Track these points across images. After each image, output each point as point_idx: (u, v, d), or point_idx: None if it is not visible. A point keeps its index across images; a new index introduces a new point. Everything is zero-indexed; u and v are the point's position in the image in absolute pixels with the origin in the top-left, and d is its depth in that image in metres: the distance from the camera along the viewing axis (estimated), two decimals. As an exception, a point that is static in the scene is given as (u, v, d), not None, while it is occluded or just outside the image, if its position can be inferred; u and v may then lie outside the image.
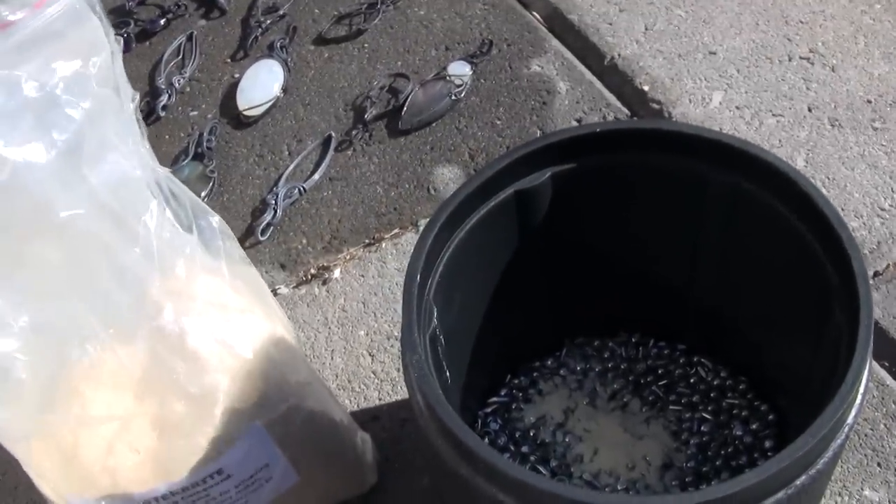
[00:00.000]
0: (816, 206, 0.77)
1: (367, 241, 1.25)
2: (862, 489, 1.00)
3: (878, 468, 1.01)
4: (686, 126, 0.95)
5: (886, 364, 1.09)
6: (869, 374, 0.74)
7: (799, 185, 0.79)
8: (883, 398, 1.06)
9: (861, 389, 0.72)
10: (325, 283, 1.22)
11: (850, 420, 0.71)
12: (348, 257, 1.24)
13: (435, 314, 0.79)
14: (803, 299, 0.83)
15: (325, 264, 1.24)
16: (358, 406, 1.10)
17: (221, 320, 0.82)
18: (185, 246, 0.79)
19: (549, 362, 1.05)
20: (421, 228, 1.08)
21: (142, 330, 0.77)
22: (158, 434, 0.80)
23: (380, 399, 1.11)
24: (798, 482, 0.68)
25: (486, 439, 1.00)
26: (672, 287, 0.97)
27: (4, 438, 0.78)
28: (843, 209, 1.21)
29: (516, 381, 1.04)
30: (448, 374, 0.83)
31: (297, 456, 0.89)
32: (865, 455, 1.02)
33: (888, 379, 1.08)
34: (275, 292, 1.22)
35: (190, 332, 0.79)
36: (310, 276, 1.23)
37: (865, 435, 1.03)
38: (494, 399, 1.02)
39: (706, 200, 0.87)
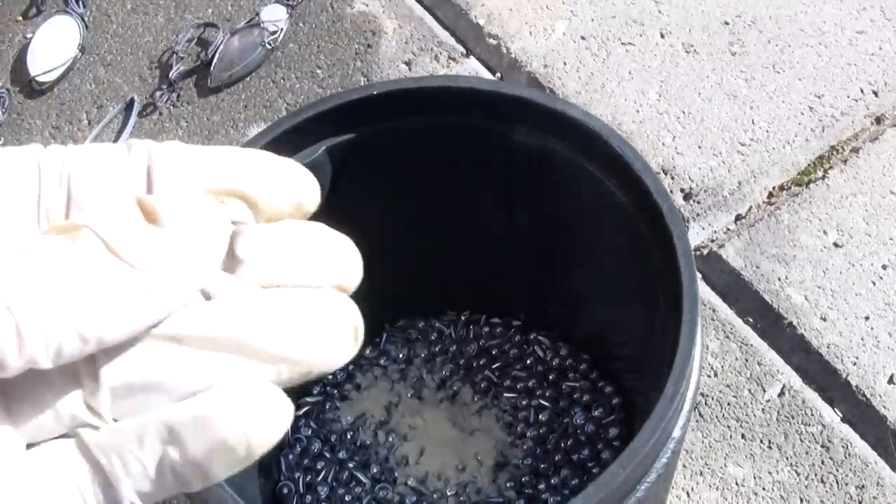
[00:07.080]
0: (632, 171, 0.65)
1: (174, 217, 1.11)
2: (725, 465, 0.89)
3: (743, 440, 0.91)
4: (480, 81, 0.82)
5: (751, 320, 0.98)
6: (699, 372, 0.62)
7: (612, 146, 0.66)
8: (747, 360, 0.95)
9: (689, 394, 0.61)
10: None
11: (676, 433, 0.60)
12: (154, 238, 1.10)
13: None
14: (629, 271, 0.71)
15: (128, 248, 1.09)
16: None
17: None
18: None
19: (368, 352, 0.92)
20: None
21: None
22: None
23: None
24: (613, 515, 0.56)
25: (298, 447, 0.87)
26: (493, 258, 0.85)
27: None
28: (700, 146, 1.09)
29: (330, 377, 0.91)
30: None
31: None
32: (729, 426, 0.91)
33: (753, 337, 0.97)
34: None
35: None
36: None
37: (728, 404, 0.93)
38: (306, 399, 0.89)
39: (513, 164, 0.74)
